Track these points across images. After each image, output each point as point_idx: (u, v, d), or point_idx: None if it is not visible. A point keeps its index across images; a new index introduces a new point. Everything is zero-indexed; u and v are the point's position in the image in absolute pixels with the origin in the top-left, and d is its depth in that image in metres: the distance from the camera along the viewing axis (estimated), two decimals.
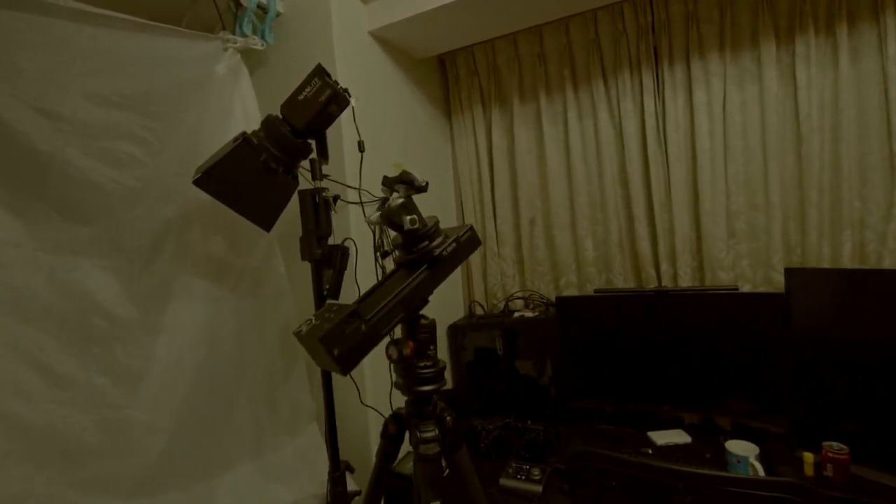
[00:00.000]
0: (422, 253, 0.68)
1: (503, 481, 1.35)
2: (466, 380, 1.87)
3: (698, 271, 1.64)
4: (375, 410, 1.26)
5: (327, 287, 1.07)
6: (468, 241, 0.72)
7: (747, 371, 1.43)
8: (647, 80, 1.64)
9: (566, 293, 1.83)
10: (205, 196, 1.10)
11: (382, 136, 1.57)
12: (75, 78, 1.06)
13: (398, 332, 0.70)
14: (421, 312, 0.69)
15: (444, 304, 1.93)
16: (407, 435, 0.74)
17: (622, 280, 1.76)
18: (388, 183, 0.75)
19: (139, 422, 1.09)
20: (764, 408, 1.44)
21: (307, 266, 1.12)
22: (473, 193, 2.02)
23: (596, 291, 1.65)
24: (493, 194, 1.99)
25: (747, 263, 1.56)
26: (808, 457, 1.27)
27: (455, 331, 1.89)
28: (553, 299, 1.83)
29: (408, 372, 0.70)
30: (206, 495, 1.13)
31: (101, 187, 1.10)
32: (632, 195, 1.71)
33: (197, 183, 0.96)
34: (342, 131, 1.35)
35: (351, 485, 1.15)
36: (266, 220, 1.02)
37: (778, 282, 1.48)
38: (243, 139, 0.96)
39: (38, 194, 1.04)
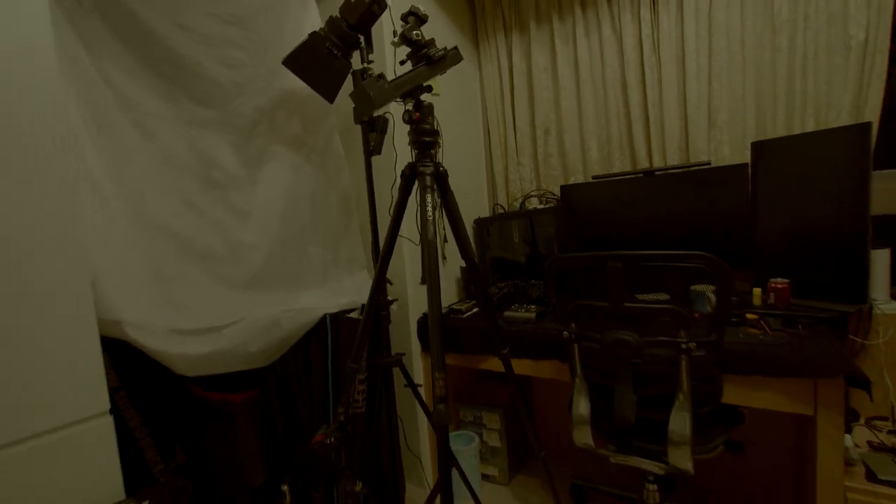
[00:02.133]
0: (420, 57, 1.07)
1: (506, 314, 1.74)
2: (489, 265, 2.26)
3: (686, 162, 1.90)
4: (409, 240, 1.68)
5: (372, 146, 1.49)
6: (454, 55, 1.10)
7: (721, 235, 1.70)
8: None
9: None
10: (286, 89, 1.55)
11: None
12: (200, 3, 1.52)
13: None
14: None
15: (472, 205, 2.32)
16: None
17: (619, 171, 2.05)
18: (401, 28, 1.12)
19: (248, 243, 1.58)
20: (734, 266, 1.71)
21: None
22: (497, 110, 2.37)
23: (593, 178, 1.96)
24: (514, 110, 2.32)
25: (728, 151, 1.81)
26: (757, 291, 1.55)
27: (480, 224, 2.27)
28: None
29: (416, 130, 1.09)
30: (291, 297, 1.62)
31: (219, 82, 1.57)
32: (630, 99, 1.98)
33: (284, 62, 1.40)
34: (384, 37, 1.75)
35: (391, 294, 1.59)
36: (329, 92, 1.44)
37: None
38: (314, 33, 1.38)
39: (178, 85, 1.52)
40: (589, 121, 2.10)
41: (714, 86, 1.80)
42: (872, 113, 1.55)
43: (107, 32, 1.43)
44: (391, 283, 1.59)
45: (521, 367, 1.68)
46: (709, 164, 1.72)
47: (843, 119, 1.57)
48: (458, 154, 2.24)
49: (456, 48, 1.10)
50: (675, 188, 1.77)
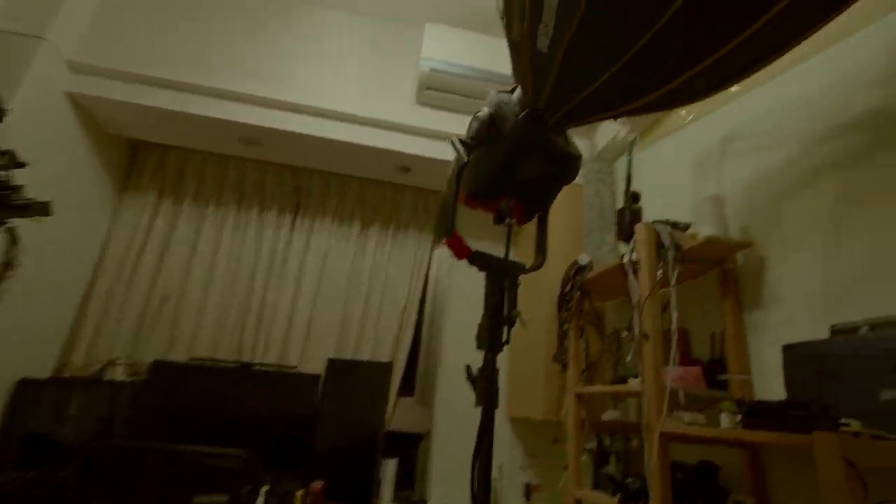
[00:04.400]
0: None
1: None
2: (21, 449, 1.70)
3: (283, 358, 2.17)
4: None
5: None
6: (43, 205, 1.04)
7: (289, 433, 1.89)
8: (286, 220, 2.37)
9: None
10: None
11: (46, 181, 1.71)
12: None
13: None
14: None
15: (25, 358, 1.83)
16: None
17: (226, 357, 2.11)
18: None
19: None
20: (292, 465, 1.88)
21: None
22: (120, 262, 2.16)
23: (191, 359, 1.94)
24: (136, 267, 2.18)
25: (317, 362, 2.18)
26: (299, 495, 1.72)
27: (25, 386, 1.77)
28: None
29: None
30: None
31: None
32: (254, 295, 2.22)
33: None
34: None
35: None
36: None
37: None
38: None
39: None
40: (211, 302, 2.18)
41: (317, 305, 2.26)
42: (404, 352, 2.26)
43: None
44: None
45: None
46: (294, 367, 2.01)
47: (386, 355, 2.21)
48: (39, 293, 1.84)
49: (48, 205, 1.05)
50: (263, 385, 1.94)
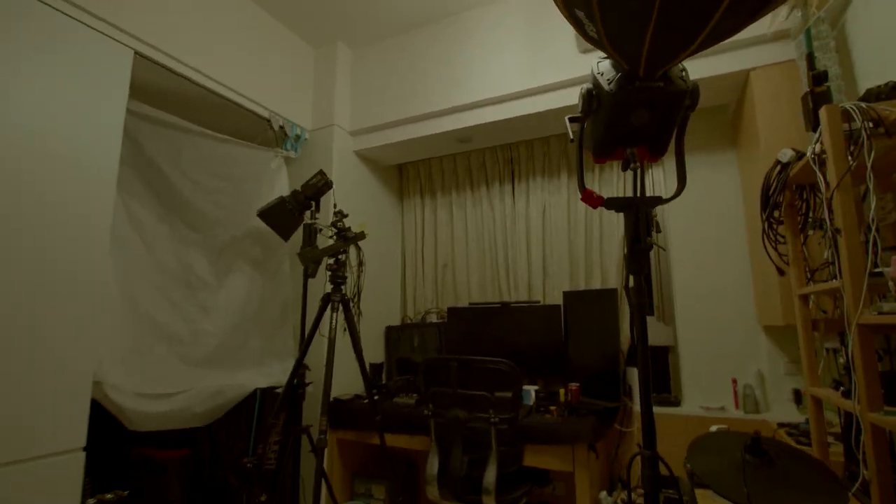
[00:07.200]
0: (340, 235, 1.85)
1: (395, 399, 2.35)
2: (394, 363, 2.89)
3: (530, 295, 2.76)
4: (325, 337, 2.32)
5: (310, 272, 2.20)
6: (360, 234, 1.88)
7: (545, 351, 2.49)
8: (507, 188, 2.91)
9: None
10: (254, 226, 2.29)
11: (360, 209, 2.79)
12: (203, 164, 2.28)
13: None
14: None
15: (388, 315, 3.03)
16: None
17: (490, 299, 2.87)
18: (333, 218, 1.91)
19: (206, 330, 2.16)
20: (551, 373, 2.47)
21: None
22: (412, 248, 3.21)
23: (470, 304, 2.75)
24: (423, 249, 3.17)
25: (557, 294, 2.69)
26: (562, 390, 2.29)
27: (389, 330, 2.95)
28: None
29: (333, 275, 1.82)
30: (231, 374, 2.16)
31: (206, 216, 2.28)
32: (498, 252, 2.89)
33: (258, 214, 2.14)
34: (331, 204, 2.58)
35: (308, 378, 2.18)
36: (286, 235, 2.18)
37: None
38: (281, 198, 2.16)
39: (178, 215, 2.21)
40: (472, 263, 2.97)
41: (546, 250, 2.75)
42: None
43: (135, 178, 2.12)
44: (309, 369, 2.19)
45: (401, 441, 2.25)
46: (538, 302, 2.57)
47: (614, 282, 2.50)
48: (382, 277, 3.00)
49: (363, 232, 1.90)
50: (520, 316, 2.58)
